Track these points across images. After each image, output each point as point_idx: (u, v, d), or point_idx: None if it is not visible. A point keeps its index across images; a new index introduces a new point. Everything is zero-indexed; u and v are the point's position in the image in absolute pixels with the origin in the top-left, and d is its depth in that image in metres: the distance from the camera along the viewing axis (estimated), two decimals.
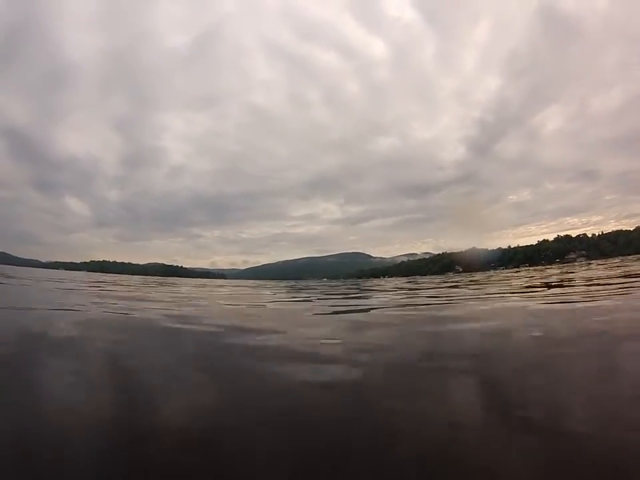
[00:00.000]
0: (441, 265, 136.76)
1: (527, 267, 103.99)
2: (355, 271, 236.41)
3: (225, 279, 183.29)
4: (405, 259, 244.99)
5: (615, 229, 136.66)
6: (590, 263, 51.94)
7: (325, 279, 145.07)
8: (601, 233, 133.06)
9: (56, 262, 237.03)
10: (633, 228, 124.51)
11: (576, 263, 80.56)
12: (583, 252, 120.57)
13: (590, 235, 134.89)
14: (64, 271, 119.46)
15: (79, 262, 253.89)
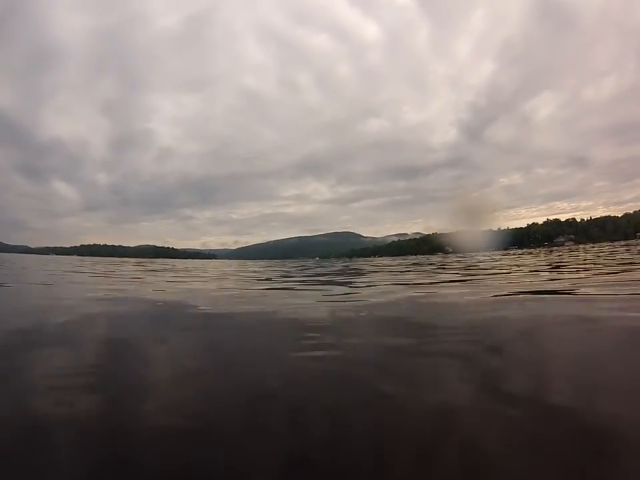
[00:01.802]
0: (431, 245, 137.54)
1: (515, 248, 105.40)
2: (347, 250, 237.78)
3: (215, 259, 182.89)
4: (396, 238, 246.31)
5: (603, 214, 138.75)
6: (577, 248, 52.72)
7: (317, 258, 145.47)
8: (589, 218, 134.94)
9: (46, 247, 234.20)
10: (622, 214, 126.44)
11: (564, 247, 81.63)
12: (571, 236, 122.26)
13: (579, 220, 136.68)
14: (54, 256, 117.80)
15: (68, 246, 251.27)
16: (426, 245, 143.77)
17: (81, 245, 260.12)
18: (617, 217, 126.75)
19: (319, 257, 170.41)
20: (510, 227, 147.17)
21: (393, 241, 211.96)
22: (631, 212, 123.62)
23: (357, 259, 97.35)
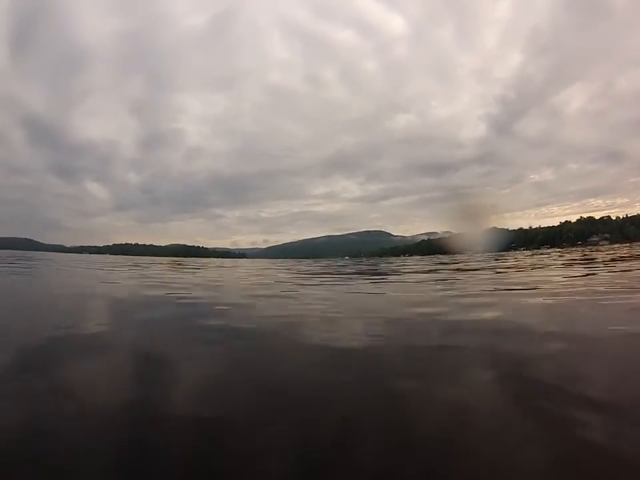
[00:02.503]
0: (461, 244, 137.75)
1: (547, 247, 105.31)
2: (377, 249, 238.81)
3: (246, 258, 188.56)
4: (425, 237, 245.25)
5: None
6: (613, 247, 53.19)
7: (346, 257, 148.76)
8: (625, 216, 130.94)
9: (80, 246, 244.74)
10: None
11: (598, 246, 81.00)
12: (606, 235, 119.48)
13: (614, 218, 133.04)
14: (89, 254, 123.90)
15: (101, 245, 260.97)
16: (455, 244, 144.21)
17: (114, 244, 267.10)
18: None
19: (349, 256, 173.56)
20: (542, 225, 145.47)
21: (423, 240, 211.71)
22: None
23: (388, 258, 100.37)
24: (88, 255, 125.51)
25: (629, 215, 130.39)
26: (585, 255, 26.52)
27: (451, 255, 67.39)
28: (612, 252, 27.74)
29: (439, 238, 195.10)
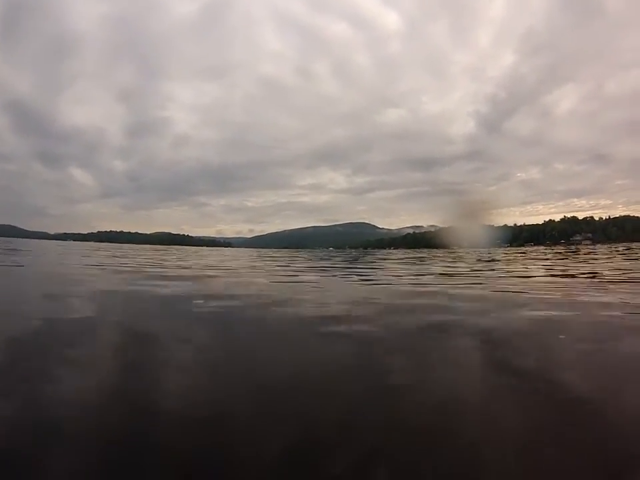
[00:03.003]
0: (446, 239, 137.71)
1: (531, 245, 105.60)
2: (362, 241, 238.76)
3: (231, 247, 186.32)
4: (411, 230, 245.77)
5: (623, 214, 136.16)
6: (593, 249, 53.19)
7: (330, 248, 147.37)
8: (608, 217, 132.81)
9: (64, 233, 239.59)
10: None
11: (580, 246, 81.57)
12: (589, 235, 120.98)
13: (597, 219, 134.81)
14: (72, 242, 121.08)
15: (86, 233, 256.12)
16: (441, 239, 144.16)
17: (98, 232, 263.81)
18: (637, 217, 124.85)
19: (333, 247, 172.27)
20: (526, 223, 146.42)
21: (408, 233, 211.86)
22: None
23: (371, 251, 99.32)
24: (71, 242, 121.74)
25: (611, 217, 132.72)
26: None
27: (431, 250, 66.25)
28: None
29: (425, 232, 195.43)
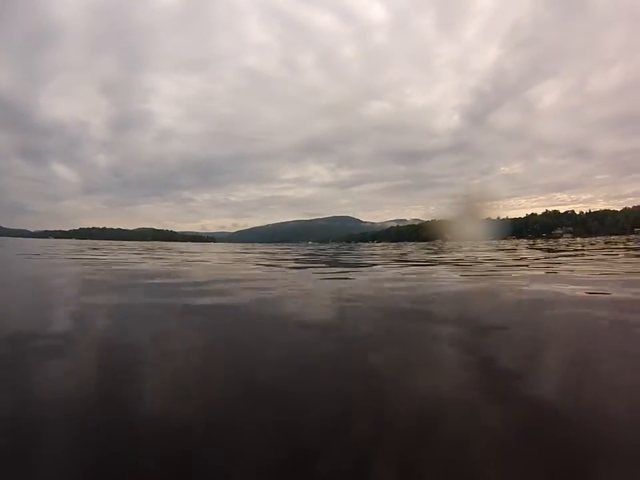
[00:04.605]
0: (430, 232, 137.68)
1: (514, 238, 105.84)
2: (345, 235, 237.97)
3: (214, 242, 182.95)
4: (395, 224, 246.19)
5: (603, 208, 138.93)
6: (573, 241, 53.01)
7: (309, 242, 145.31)
8: (589, 211, 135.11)
9: (45, 231, 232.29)
10: (621, 209, 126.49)
11: (561, 239, 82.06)
12: (570, 228, 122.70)
13: (578, 212, 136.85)
14: (54, 239, 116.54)
15: (67, 230, 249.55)
16: (424, 232, 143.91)
17: (80, 228, 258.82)
18: (616, 211, 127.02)
19: (317, 241, 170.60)
20: (509, 217, 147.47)
21: (392, 227, 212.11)
22: (630, 207, 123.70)
23: (355, 244, 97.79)
24: (53, 239, 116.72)
25: (592, 210, 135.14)
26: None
27: (417, 243, 65.01)
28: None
29: (409, 225, 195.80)
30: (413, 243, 76.30)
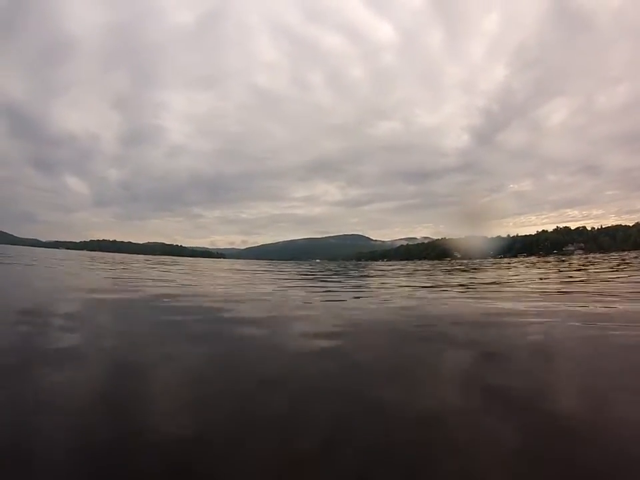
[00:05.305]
0: (440, 250, 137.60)
1: (524, 255, 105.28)
2: (355, 253, 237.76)
3: (224, 258, 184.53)
4: (404, 242, 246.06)
5: (614, 223, 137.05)
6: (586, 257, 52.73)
7: (317, 260, 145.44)
8: (600, 227, 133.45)
9: (56, 241, 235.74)
10: (633, 224, 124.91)
11: (573, 256, 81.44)
12: (581, 245, 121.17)
13: (589, 228, 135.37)
14: (65, 250, 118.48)
15: (78, 241, 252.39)
16: (434, 250, 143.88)
17: (90, 240, 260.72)
18: (628, 226, 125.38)
19: (326, 259, 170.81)
20: (519, 234, 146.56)
21: (402, 245, 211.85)
22: None
23: (365, 262, 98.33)
24: (64, 250, 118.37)
25: (603, 226, 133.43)
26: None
27: (432, 261, 65.35)
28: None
29: (418, 243, 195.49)
30: (421, 260, 76.51)
